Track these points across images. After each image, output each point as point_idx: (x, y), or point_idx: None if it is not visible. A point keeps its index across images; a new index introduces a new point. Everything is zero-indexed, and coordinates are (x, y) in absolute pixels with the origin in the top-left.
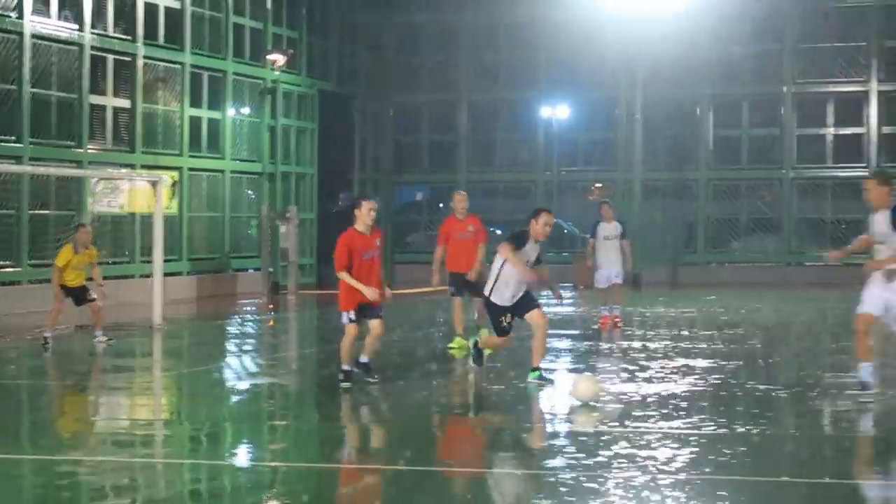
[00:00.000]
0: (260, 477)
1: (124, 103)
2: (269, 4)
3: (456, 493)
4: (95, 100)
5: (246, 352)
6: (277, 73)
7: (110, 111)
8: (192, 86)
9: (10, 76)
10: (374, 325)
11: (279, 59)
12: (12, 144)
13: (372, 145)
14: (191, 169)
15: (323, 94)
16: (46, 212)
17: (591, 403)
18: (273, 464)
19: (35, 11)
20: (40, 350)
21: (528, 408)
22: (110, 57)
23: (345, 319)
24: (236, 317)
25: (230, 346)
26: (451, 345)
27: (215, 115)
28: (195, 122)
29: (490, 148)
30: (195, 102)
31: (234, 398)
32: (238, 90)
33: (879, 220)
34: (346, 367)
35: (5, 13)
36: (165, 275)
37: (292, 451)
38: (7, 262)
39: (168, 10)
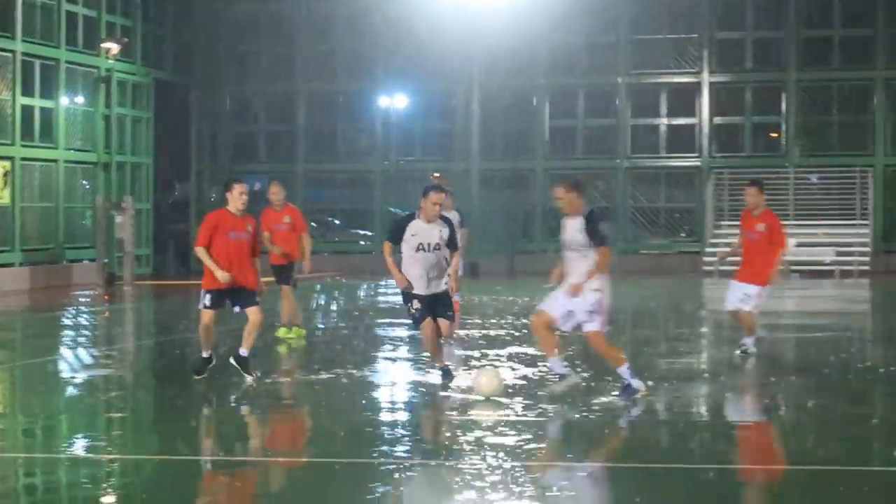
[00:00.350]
0: (97, 469)
1: None
2: None
3: (279, 483)
4: None
5: (80, 344)
6: (112, 61)
7: None
8: (23, 74)
9: None
10: (251, 312)
11: (113, 47)
12: None
13: (209, 135)
14: (23, 158)
15: (159, 84)
16: None
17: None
18: (110, 456)
19: None
20: None
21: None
22: None
23: (201, 303)
24: (71, 308)
25: (64, 337)
26: (280, 334)
27: (48, 103)
28: (27, 111)
29: (328, 138)
30: (27, 91)
31: (69, 390)
32: (71, 79)
33: (571, 227)
34: (204, 353)
35: None
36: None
37: (129, 443)
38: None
39: None
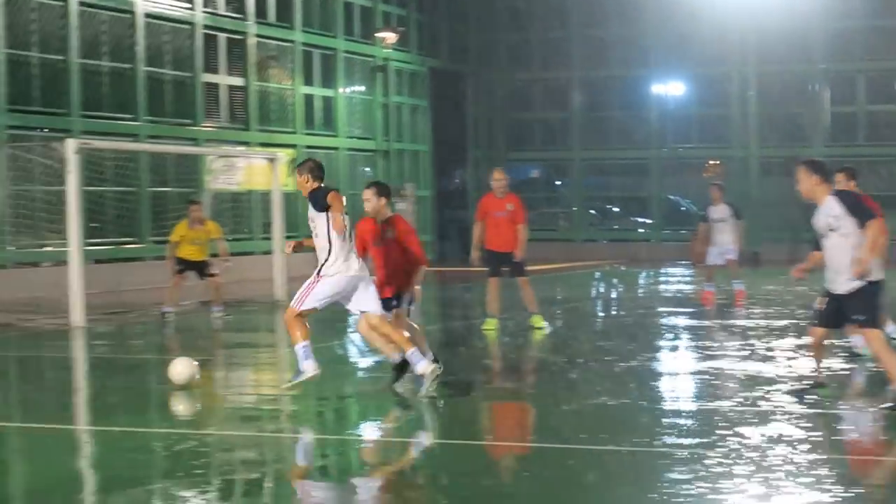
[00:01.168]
0: (386, 452)
1: (238, 81)
2: None
3: (583, 469)
4: (209, 78)
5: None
6: (388, 50)
7: (224, 89)
8: (304, 64)
9: (124, 55)
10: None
11: (390, 36)
12: (129, 123)
13: (485, 123)
14: (306, 146)
15: (434, 72)
16: (166, 189)
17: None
18: (397, 439)
19: None
20: (161, 325)
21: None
22: (222, 35)
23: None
24: None
25: (350, 322)
26: (484, 326)
27: (328, 92)
28: (308, 100)
29: (603, 125)
30: (308, 80)
31: (357, 374)
32: (349, 68)
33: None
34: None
35: None
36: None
37: (414, 427)
38: (129, 239)
39: None
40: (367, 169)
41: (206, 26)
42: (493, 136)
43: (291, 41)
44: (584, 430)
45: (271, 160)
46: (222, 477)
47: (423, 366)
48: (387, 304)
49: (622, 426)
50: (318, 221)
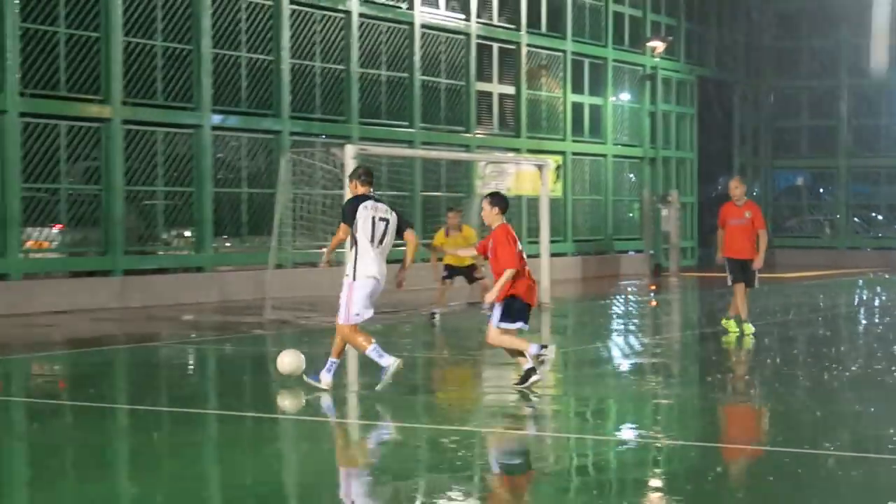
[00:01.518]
0: (644, 453)
1: (509, 90)
2: None
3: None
4: (482, 86)
5: (629, 331)
6: (657, 59)
7: (496, 97)
8: (573, 72)
9: (401, 65)
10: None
11: (658, 45)
12: (405, 129)
13: (751, 130)
14: (574, 153)
15: (701, 80)
16: (437, 193)
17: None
18: (657, 440)
19: (424, 3)
20: (429, 325)
21: None
22: (495, 45)
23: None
24: (619, 297)
25: (613, 325)
26: (726, 324)
27: (597, 100)
28: (577, 108)
29: (871, 133)
30: (577, 89)
31: (618, 376)
32: (618, 76)
33: None
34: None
35: (397, 4)
36: (551, 255)
37: (674, 429)
38: (398, 241)
39: None
40: (632, 175)
41: (480, 36)
42: (759, 144)
43: (562, 50)
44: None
45: (540, 166)
46: (483, 473)
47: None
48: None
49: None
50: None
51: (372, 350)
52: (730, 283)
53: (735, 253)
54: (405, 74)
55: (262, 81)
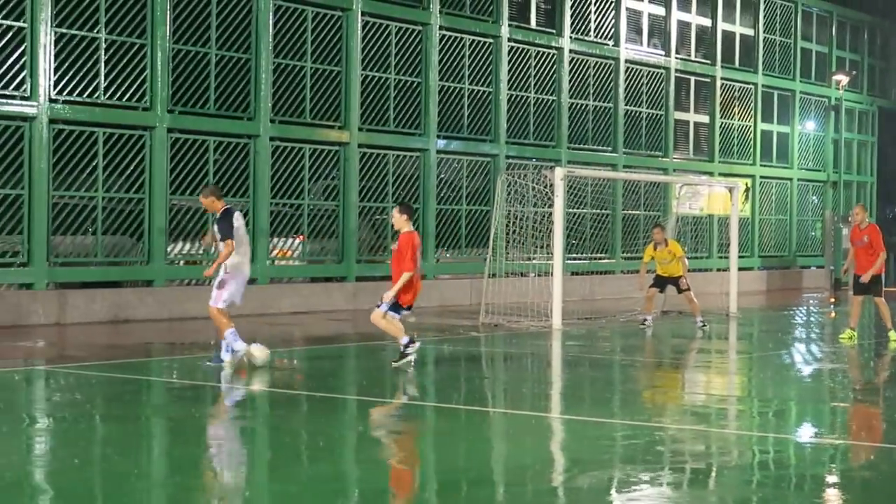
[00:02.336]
0: (821, 452)
1: (704, 119)
2: (833, 30)
3: None
4: (679, 115)
5: (811, 339)
6: (841, 91)
7: (692, 125)
8: (763, 103)
9: (607, 95)
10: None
11: (843, 79)
12: (609, 154)
13: None
14: (762, 176)
15: (882, 111)
16: (636, 212)
17: None
18: (834, 441)
19: (628, 40)
20: (634, 330)
21: None
22: (692, 78)
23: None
24: (801, 308)
25: (796, 333)
26: (841, 336)
27: (784, 129)
28: (766, 136)
29: None
30: (766, 118)
31: (799, 380)
32: (804, 107)
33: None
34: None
35: (604, 42)
36: (739, 269)
37: (851, 430)
38: (603, 255)
39: (743, 36)
40: (816, 197)
41: (679, 70)
42: None
43: (753, 83)
44: None
45: (731, 188)
46: (673, 466)
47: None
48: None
49: None
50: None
51: (230, 333)
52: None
53: (856, 270)
54: (610, 104)
55: (482, 110)
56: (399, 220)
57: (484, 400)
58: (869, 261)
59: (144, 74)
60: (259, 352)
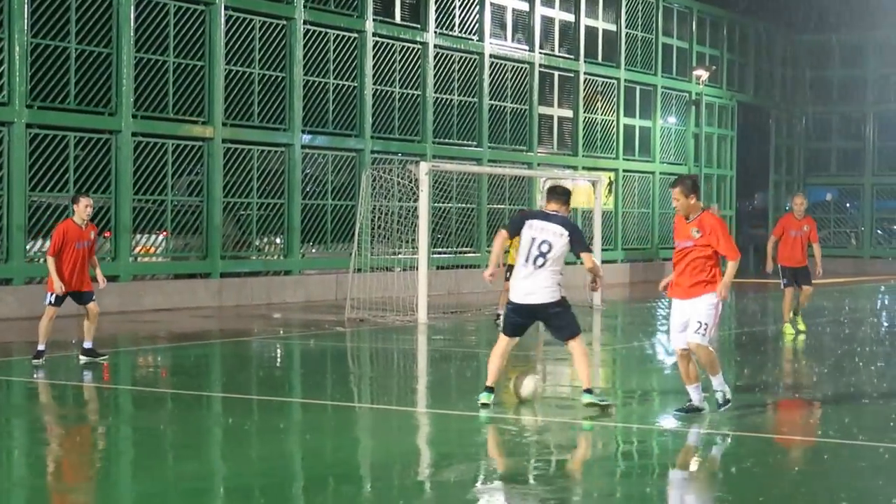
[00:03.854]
0: (684, 441)
1: (567, 113)
2: (693, 26)
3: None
4: (543, 110)
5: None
6: (701, 86)
7: (556, 120)
8: (625, 98)
9: (471, 90)
10: (90, 308)
11: (703, 74)
12: (474, 148)
13: (785, 151)
14: (625, 170)
15: (741, 106)
16: (501, 206)
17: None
18: (699, 430)
19: (493, 35)
20: (492, 325)
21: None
22: (556, 73)
23: (47, 300)
24: (664, 300)
25: (658, 325)
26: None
27: (646, 123)
28: (629, 130)
29: (895, 154)
30: (629, 112)
31: (661, 371)
32: (666, 102)
33: None
34: (40, 346)
35: (468, 37)
36: (603, 262)
37: (713, 421)
38: (469, 249)
39: (605, 31)
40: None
41: (542, 65)
42: (792, 163)
43: (616, 78)
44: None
45: (594, 182)
46: (539, 459)
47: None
48: None
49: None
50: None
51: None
52: (783, 287)
53: (790, 261)
54: (475, 99)
55: (347, 105)
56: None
57: (350, 395)
58: (805, 252)
59: (2, 69)
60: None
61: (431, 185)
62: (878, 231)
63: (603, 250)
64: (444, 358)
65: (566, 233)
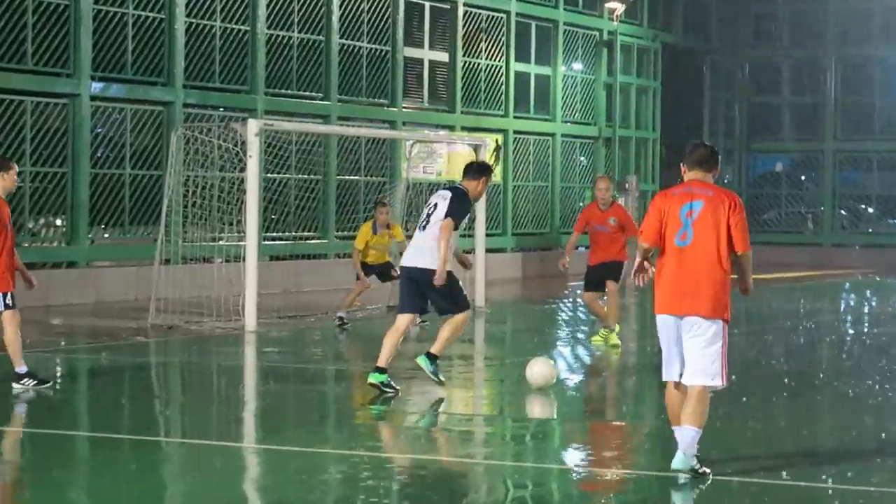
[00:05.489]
0: (595, 483)
1: (442, 57)
2: None
3: None
4: (410, 52)
5: (578, 341)
6: (615, 23)
7: (426, 65)
8: (517, 37)
9: (316, 25)
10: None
11: (618, 7)
12: (319, 102)
13: (723, 107)
14: (516, 132)
15: (667, 49)
16: (356, 178)
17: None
18: (610, 470)
19: None
20: (354, 330)
21: None
22: (427, 4)
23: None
24: (564, 301)
25: (560, 333)
26: (595, 337)
27: (544, 70)
28: (522, 79)
29: (863, 113)
30: (522, 56)
31: (563, 394)
32: (570, 43)
33: None
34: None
35: None
36: (487, 251)
37: (626, 455)
38: (313, 234)
39: None
40: (584, 159)
41: None
42: (732, 124)
43: (505, 12)
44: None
45: (476, 147)
46: None
47: None
48: None
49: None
50: None
51: None
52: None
53: (595, 262)
54: (321, 37)
55: (151, 43)
56: None
57: (155, 427)
58: (614, 249)
59: None
60: None
61: (263, 150)
62: (842, 212)
63: (488, 236)
64: (278, 377)
65: (449, 195)
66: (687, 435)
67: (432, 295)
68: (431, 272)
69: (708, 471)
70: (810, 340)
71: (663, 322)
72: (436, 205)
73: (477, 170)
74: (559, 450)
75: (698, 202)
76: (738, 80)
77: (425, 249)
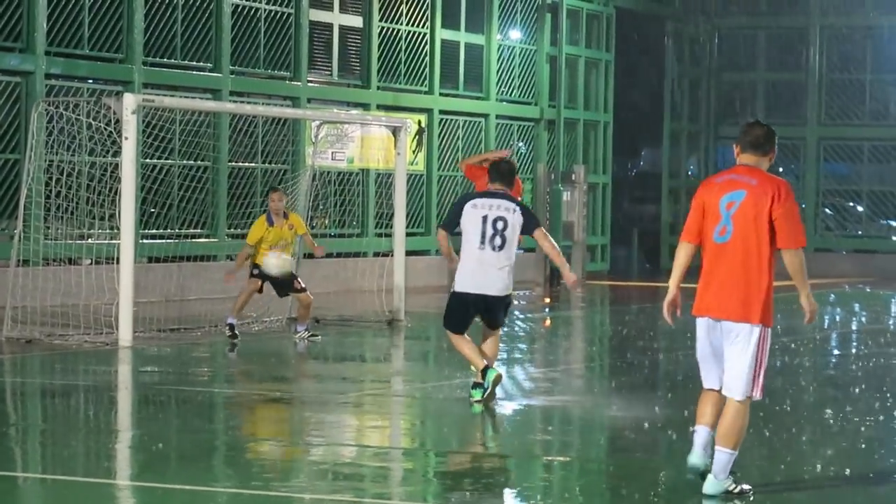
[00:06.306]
0: None
1: (355, 21)
2: None
3: None
4: (317, 16)
5: (515, 360)
6: None
7: (336, 32)
8: (445, 0)
9: None
10: None
11: None
12: (208, 74)
13: (688, 85)
14: (443, 112)
15: (622, 14)
16: (252, 164)
17: None
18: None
19: None
20: (249, 347)
21: None
22: None
23: None
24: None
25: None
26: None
27: (476, 39)
28: (449, 49)
29: (852, 93)
30: (450, 22)
31: (501, 423)
32: (508, 7)
33: None
34: None
35: None
36: (408, 253)
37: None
38: (200, 231)
39: None
40: (522, 145)
41: None
42: (698, 104)
43: None
44: None
45: (395, 129)
46: None
47: None
48: None
49: None
50: None
51: None
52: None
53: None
54: None
55: (7, 3)
56: None
57: (10, 460)
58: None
59: None
60: None
61: (141, 130)
62: (826, 210)
63: (410, 235)
64: (157, 401)
65: (517, 208)
66: (720, 459)
67: (499, 314)
68: (510, 296)
69: (749, 487)
70: (791, 364)
71: (699, 325)
72: (504, 220)
73: (510, 171)
74: (495, 488)
75: (740, 192)
76: (705, 53)
77: (504, 272)
